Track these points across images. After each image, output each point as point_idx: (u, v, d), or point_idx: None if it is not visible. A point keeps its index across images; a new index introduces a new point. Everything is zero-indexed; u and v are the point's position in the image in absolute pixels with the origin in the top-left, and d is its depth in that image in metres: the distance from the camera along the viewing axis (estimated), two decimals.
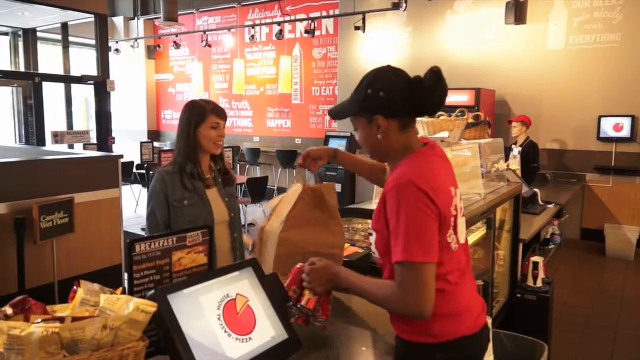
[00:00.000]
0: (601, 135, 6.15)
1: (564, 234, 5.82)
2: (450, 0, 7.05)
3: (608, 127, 6.10)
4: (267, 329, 1.32)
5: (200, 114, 2.15)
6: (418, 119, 2.70)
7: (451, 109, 3.02)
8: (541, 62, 6.46)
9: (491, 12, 6.73)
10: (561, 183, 6.29)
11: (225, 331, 1.24)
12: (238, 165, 9.00)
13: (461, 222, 1.42)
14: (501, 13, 6.54)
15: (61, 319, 1.06)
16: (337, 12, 8.18)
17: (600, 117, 6.12)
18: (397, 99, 1.35)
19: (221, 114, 2.20)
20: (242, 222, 6.78)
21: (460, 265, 1.39)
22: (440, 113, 2.90)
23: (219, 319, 1.24)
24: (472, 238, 2.57)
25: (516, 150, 5.29)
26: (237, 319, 1.28)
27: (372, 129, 1.38)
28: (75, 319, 1.06)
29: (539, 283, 3.27)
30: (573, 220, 6.26)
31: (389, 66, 1.40)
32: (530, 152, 5.70)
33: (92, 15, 7.33)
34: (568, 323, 4.00)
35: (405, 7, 6.97)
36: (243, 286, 1.36)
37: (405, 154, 1.37)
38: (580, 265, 5.66)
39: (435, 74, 1.33)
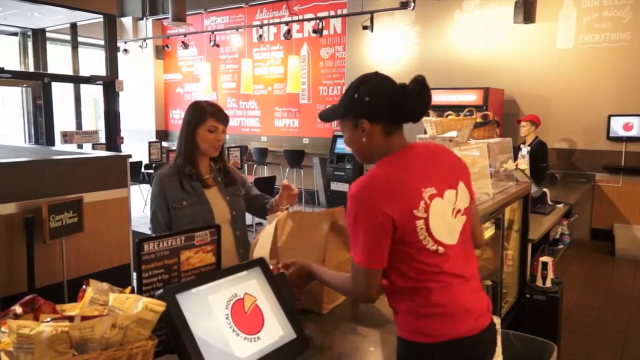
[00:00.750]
0: (611, 134, 6.09)
1: (573, 234, 5.77)
2: (459, 0, 7.02)
3: (618, 126, 6.04)
4: (276, 329, 1.32)
5: (200, 116, 2.17)
6: (426, 118, 2.70)
7: (460, 108, 3.00)
8: (550, 62, 6.41)
9: (500, 11, 6.69)
10: (570, 183, 6.23)
11: (233, 331, 1.24)
12: (246, 165, 9.01)
13: (450, 224, 1.39)
14: (510, 12, 6.50)
15: (70, 318, 1.07)
16: (345, 11, 8.17)
17: (610, 116, 6.06)
18: (382, 105, 1.39)
19: (221, 118, 2.20)
20: (250, 222, 6.81)
21: (454, 266, 1.38)
22: (448, 112, 2.88)
23: (227, 318, 1.25)
24: None
25: (525, 150, 5.25)
26: (245, 319, 1.28)
27: (357, 132, 1.42)
28: (84, 318, 1.06)
29: (548, 283, 3.25)
30: (583, 220, 6.21)
31: (376, 72, 1.45)
32: (539, 151, 5.67)
33: (101, 16, 7.38)
34: (577, 324, 3.97)
35: (414, 6, 6.95)
36: (251, 286, 1.36)
37: (385, 157, 1.41)
38: (590, 265, 5.61)
39: (419, 82, 1.39)
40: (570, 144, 6.44)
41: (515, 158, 4.58)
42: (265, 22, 9.24)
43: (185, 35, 9.78)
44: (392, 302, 1.45)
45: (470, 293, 1.42)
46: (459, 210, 1.42)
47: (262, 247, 1.80)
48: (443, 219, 1.37)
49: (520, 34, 6.57)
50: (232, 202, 2.28)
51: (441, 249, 1.35)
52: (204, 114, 2.16)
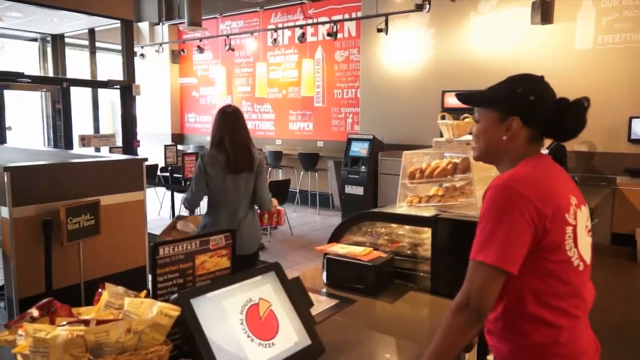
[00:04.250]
0: (632, 137, 5.96)
1: (593, 238, 5.65)
2: (474, 1, 6.95)
3: (639, 128, 5.92)
4: (290, 335, 1.31)
5: None
6: (441, 121, 2.67)
7: None
8: (569, 63, 6.31)
9: (517, 12, 6.61)
10: (590, 186, 6.11)
11: (248, 336, 1.23)
12: None
13: (587, 241, 1.30)
14: (527, 13, 6.42)
15: (86, 322, 1.07)
16: (359, 14, 8.15)
17: (631, 118, 5.94)
18: (545, 109, 1.29)
19: None
20: (265, 225, 6.82)
21: (584, 292, 1.25)
22: (465, 115, 2.85)
23: (241, 323, 1.24)
24: None
25: (543, 153, 5.16)
26: (260, 324, 1.26)
27: (499, 128, 1.31)
28: (100, 322, 1.06)
29: None
30: (603, 225, 6.08)
31: (543, 76, 1.35)
32: (557, 154, 5.57)
33: (119, 21, 7.48)
34: (598, 330, 3.86)
35: (429, 8, 6.90)
36: (266, 291, 1.35)
37: (518, 162, 1.30)
38: (611, 270, 5.49)
39: (585, 102, 1.31)
40: (590, 146, 6.33)
41: None
42: (280, 25, 9.27)
43: (200, 39, 9.86)
44: (504, 331, 1.27)
45: (587, 329, 1.31)
46: (589, 229, 1.34)
47: None
48: (583, 232, 1.28)
49: (538, 35, 6.48)
50: None
51: (582, 266, 1.25)
52: None
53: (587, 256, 1.29)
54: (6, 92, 7.28)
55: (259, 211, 3.23)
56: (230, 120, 3.04)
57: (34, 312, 1.16)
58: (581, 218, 1.28)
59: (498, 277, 1.17)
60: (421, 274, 2.14)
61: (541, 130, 1.31)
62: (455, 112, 2.89)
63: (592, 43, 6.18)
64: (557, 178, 1.29)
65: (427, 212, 2.16)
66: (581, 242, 1.26)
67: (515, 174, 1.24)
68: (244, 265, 2.26)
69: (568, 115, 1.29)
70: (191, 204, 3.14)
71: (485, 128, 1.35)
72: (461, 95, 1.42)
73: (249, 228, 3.05)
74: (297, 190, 8.72)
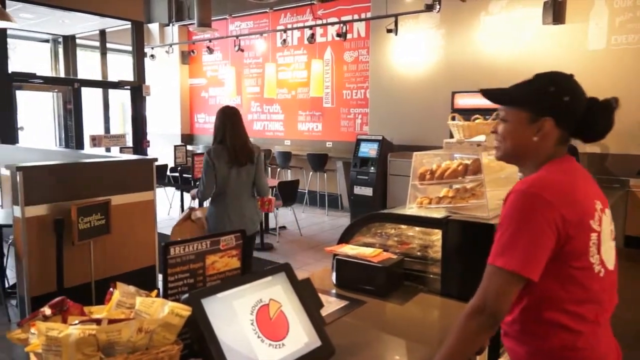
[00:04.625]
0: None
1: None
2: (485, 2, 6.91)
3: None
4: (301, 336, 1.30)
5: None
6: (452, 122, 2.65)
7: (486, 112, 2.94)
8: (582, 63, 6.25)
9: (528, 12, 6.56)
10: (603, 188, 5.94)
11: (258, 337, 1.22)
12: (269, 168, 9.06)
13: (610, 245, 1.27)
14: (538, 13, 6.37)
15: (98, 321, 1.07)
16: (369, 15, 8.14)
17: None
18: (578, 110, 1.25)
19: None
20: (274, 226, 6.84)
21: (604, 299, 1.23)
22: (476, 116, 2.82)
23: (252, 324, 1.23)
24: None
25: None
26: (270, 325, 1.26)
27: (529, 128, 1.26)
28: (111, 321, 1.07)
29: None
30: (616, 227, 5.91)
31: (572, 75, 1.29)
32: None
33: (129, 23, 7.54)
34: (615, 336, 3.82)
35: (439, 8, 6.87)
36: (276, 291, 1.35)
37: (544, 164, 1.27)
38: (624, 274, 5.40)
39: (614, 102, 1.27)
40: (602, 148, 6.26)
41: None
42: (289, 26, 9.28)
43: (210, 40, 9.90)
44: (521, 333, 1.26)
45: (608, 335, 1.28)
46: (612, 231, 1.31)
47: None
48: (607, 238, 1.26)
49: (550, 35, 6.42)
50: None
51: (603, 272, 1.22)
52: None
53: (610, 262, 1.26)
54: (18, 93, 7.36)
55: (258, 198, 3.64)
56: (230, 120, 3.42)
57: (47, 310, 1.17)
58: (606, 223, 1.26)
59: (517, 283, 1.15)
60: (431, 275, 2.13)
61: (571, 131, 1.28)
62: (465, 113, 2.87)
63: (606, 43, 6.11)
64: (582, 182, 1.27)
65: (438, 213, 2.15)
66: (604, 247, 1.23)
67: (541, 178, 1.21)
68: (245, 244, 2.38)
69: (598, 116, 1.25)
70: (204, 195, 3.50)
71: (514, 128, 1.29)
72: (488, 93, 1.35)
73: (250, 212, 3.51)
74: (306, 191, 8.72)
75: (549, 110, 1.25)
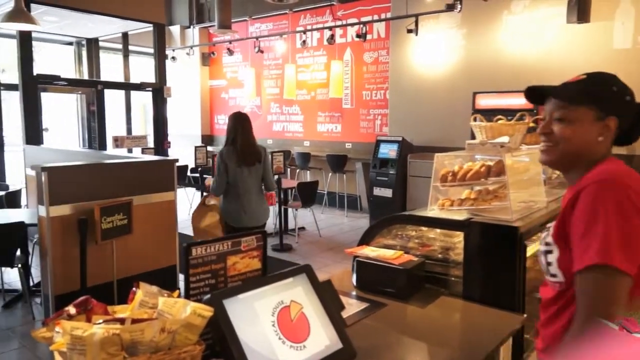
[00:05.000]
0: None
1: None
2: (507, 1, 6.81)
3: None
4: (322, 338, 1.30)
5: None
6: (474, 123, 2.62)
7: (509, 112, 2.89)
8: (607, 62, 6.11)
9: (551, 11, 6.44)
10: None
11: (279, 338, 1.22)
12: (289, 169, 9.08)
13: None
14: (562, 12, 6.25)
15: (121, 321, 1.08)
16: (389, 15, 8.10)
17: None
18: (634, 111, 1.25)
19: None
20: (293, 227, 6.84)
21: None
22: (498, 117, 2.78)
23: (273, 325, 1.23)
24: (533, 249, 2.44)
25: None
26: (291, 326, 1.26)
27: (594, 127, 1.22)
28: (135, 320, 1.08)
29: None
30: None
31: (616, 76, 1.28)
32: None
33: (151, 25, 7.64)
34: None
35: (460, 8, 6.80)
36: (297, 293, 1.34)
37: (597, 163, 1.23)
38: None
39: None
40: (628, 149, 6.09)
41: None
42: (309, 27, 9.29)
43: (230, 42, 9.98)
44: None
45: None
46: None
47: None
48: None
49: (574, 34, 6.30)
50: None
51: None
52: None
53: None
54: (43, 95, 7.52)
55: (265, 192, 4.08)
56: (242, 124, 3.81)
57: (71, 309, 1.19)
58: None
59: (625, 279, 1.05)
60: (453, 278, 2.10)
61: (623, 132, 1.25)
62: (486, 114, 2.84)
63: (632, 43, 5.97)
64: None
65: (459, 215, 2.12)
66: None
67: (613, 169, 1.16)
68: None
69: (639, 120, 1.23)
70: (217, 192, 3.87)
71: (578, 128, 1.22)
72: (555, 90, 1.28)
73: (258, 205, 3.91)
74: (325, 192, 8.71)
75: (614, 109, 1.22)
